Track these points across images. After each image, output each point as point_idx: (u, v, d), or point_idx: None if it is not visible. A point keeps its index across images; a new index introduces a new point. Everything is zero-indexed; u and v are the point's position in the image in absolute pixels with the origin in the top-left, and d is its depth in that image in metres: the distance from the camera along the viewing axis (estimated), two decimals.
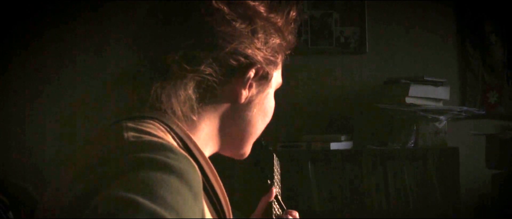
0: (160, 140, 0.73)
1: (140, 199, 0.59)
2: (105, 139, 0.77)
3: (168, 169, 0.65)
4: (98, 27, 2.92)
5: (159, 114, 0.82)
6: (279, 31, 0.92)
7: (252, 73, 0.87)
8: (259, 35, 0.88)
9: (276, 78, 0.95)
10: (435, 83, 2.63)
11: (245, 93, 0.88)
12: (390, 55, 2.87)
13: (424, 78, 2.61)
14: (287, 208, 1.19)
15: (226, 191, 0.85)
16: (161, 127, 0.80)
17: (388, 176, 2.54)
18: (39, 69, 2.94)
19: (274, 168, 1.18)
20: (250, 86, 0.89)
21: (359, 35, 2.86)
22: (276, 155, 1.22)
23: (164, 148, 0.69)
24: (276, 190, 1.15)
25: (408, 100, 2.57)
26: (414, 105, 2.57)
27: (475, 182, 2.68)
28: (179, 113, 0.82)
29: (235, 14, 0.86)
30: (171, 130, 0.82)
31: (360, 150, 2.62)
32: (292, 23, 0.96)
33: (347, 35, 2.86)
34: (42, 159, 2.90)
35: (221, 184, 0.83)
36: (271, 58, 0.89)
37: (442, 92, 2.64)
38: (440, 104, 2.64)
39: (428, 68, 2.82)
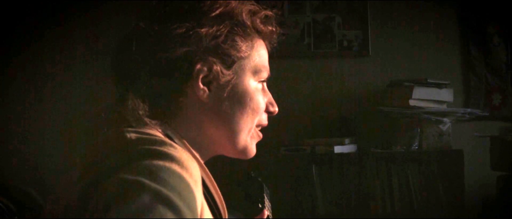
0: (160, 138, 0.78)
1: (146, 180, 0.63)
2: (108, 140, 0.80)
3: (169, 158, 0.69)
4: (97, 29, 2.92)
5: (155, 122, 0.85)
6: (239, 24, 0.90)
7: (199, 71, 0.87)
8: (200, 33, 0.87)
9: (250, 66, 0.92)
10: (439, 86, 2.63)
11: (203, 92, 0.88)
12: (393, 58, 2.87)
13: (428, 80, 2.61)
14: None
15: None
16: (159, 132, 0.84)
17: (392, 178, 2.54)
18: (38, 71, 2.94)
19: (264, 194, 1.19)
20: (210, 84, 0.88)
21: (362, 38, 2.86)
22: (265, 185, 1.23)
23: (164, 143, 0.74)
24: (267, 213, 1.16)
25: (412, 102, 2.56)
26: (418, 107, 2.56)
27: (480, 184, 2.68)
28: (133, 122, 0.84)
29: (168, 21, 0.87)
30: (168, 136, 0.84)
31: (364, 153, 2.61)
32: (258, 9, 0.93)
33: (350, 39, 2.87)
34: (41, 161, 2.90)
35: (217, 187, 0.85)
36: (224, 50, 0.88)
37: (446, 95, 2.64)
38: (443, 107, 2.64)
39: (431, 71, 2.81)
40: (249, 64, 0.92)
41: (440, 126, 2.58)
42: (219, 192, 0.85)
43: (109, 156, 0.72)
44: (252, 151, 0.94)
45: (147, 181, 0.63)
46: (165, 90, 0.87)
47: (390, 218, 2.52)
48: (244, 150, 0.93)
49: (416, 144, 2.58)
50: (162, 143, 0.74)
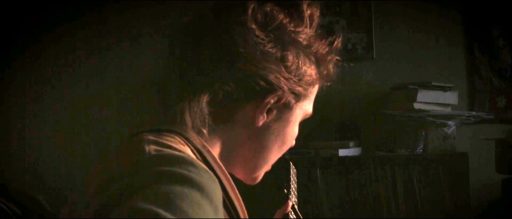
0: (181, 154, 0.73)
1: (162, 211, 0.58)
2: (126, 152, 0.76)
3: (189, 182, 0.65)
4: (97, 30, 2.93)
5: (177, 126, 0.82)
6: (315, 62, 0.90)
7: (272, 99, 0.86)
8: (289, 63, 0.85)
9: (304, 108, 0.92)
10: (443, 89, 2.62)
11: (262, 118, 0.87)
12: (397, 61, 2.86)
13: (432, 83, 2.60)
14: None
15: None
16: (180, 140, 0.81)
17: (396, 181, 2.54)
18: (38, 72, 2.95)
19: (291, 176, 1.15)
20: (270, 112, 0.88)
21: (366, 41, 2.86)
22: (292, 163, 1.19)
23: (185, 161, 0.69)
24: (293, 200, 1.13)
25: (416, 105, 2.56)
26: (422, 110, 2.56)
27: (484, 186, 2.67)
28: (190, 124, 0.82)
29: (266, 37, 0.84)
30: (189, 143, 0.82)
31: (369, 156, 2.61)
32: (333, 55, 0.93)
33: (354, 42, 2.86)
34: (42, 163, 2.91)
35: (239, 196, 0.84)
36: (298, 88, 0.88)
37: (450, 98, 2.64)
38: (448, 110, 2.63)
39: (435, 74, 2.81)
40: (306, 105, 0.92)
41: (445, 129, 2.58)
42: (241, 201, 0.84)
43: (125, 174, 0.68)
44: (259, 179, 0.95)
45: (163, 212, 0.58)
46: (233, 101, 0.84)
47: None
48: (256, 178, 0.94)
49: (420, 147, 2.57)
50: (182, 162, 0.69)
